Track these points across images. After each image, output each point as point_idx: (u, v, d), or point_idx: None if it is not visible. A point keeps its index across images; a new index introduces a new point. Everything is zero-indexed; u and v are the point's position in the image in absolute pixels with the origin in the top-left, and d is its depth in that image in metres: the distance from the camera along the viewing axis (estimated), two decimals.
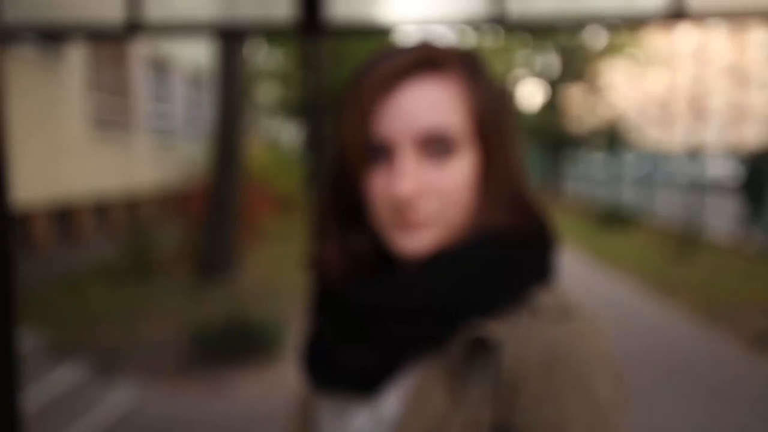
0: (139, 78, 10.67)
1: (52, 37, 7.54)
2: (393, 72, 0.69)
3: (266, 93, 20.20)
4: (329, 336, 0.74)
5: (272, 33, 4.05)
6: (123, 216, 9.86)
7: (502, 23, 4.11)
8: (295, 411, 0.89)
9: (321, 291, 0.78)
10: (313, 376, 0.76)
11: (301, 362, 0.78)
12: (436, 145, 0.69)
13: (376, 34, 4.52)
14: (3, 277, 1.31)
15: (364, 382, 0.70)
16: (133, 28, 3.97)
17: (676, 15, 3.60)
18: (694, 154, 12.75)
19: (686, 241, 10.21)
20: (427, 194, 0.69)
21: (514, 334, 0.66)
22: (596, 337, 0.70)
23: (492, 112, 0.73)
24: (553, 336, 0.66)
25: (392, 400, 0.70)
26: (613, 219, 13.20)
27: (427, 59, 0.70)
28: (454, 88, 0.71)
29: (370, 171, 0.71)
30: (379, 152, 0.70)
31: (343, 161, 0.73)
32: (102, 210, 9.26)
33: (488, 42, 24.96)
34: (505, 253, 0.72)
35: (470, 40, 26.55)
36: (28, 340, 3.76)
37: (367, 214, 0.74)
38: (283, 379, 4.32)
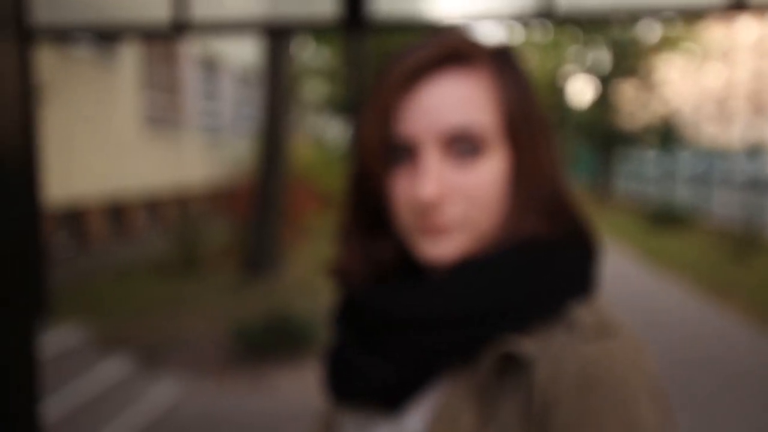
0: (190, 76, 10.87)
1: (104, 37, 7.75)
2: (416, 66, 0.64)
3: (312, 90, 20.35)
4: (351, 347, 0.70)
5: (316, 30, 4.06)
6: (173, 212, 10.07)
7: (550, 18, 4.00)
8: (317, 425, 0.86)
9: (343, 299, 0.74)
10: (334, 390, 0.72)
11: (323, 374, 0.74)
12: (462, 145, 0.64)
13: (421, 30, 4.46)
14: (30, 276, 1.32)
15: (387, 397, 0.66)
16: (180, 27, 4.02)
17: (737, 7, 3.43)
18: (754, 151, 12.24)
19: (744, 241, 9.80)
20: (453, 197, 0.64)
21: (548, 351, 0.60)
22: (638, 356, 0.62)
23: (524, 110, 0.67)
24: (590, 354, 0.60)
25: (417, 417, 0.65)
26: (666, 218, 12.79)
27: (453, 52, 0.65)
28: (483, 83, 0.66)
29: (393, 172, 0.67)
30: (402, 152, 0.66)
31: (364, 162, 0.69)
32: (153, 206, 9.47)
33: (537, 38, 24.56)
34: (540, 262, 0.65)
35: (518, 35, 26.20)
36: (77, 333, 3.85)
37: (391, 219, 0.70)
38: None
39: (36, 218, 3.88)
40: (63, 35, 4.69)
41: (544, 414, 0.59)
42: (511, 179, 0.67)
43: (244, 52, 13.57)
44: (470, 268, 0.65)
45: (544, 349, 0.61)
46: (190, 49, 10.84)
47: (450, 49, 0.65)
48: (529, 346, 0.61)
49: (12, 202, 1.30)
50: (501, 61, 0.68)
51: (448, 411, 0.62)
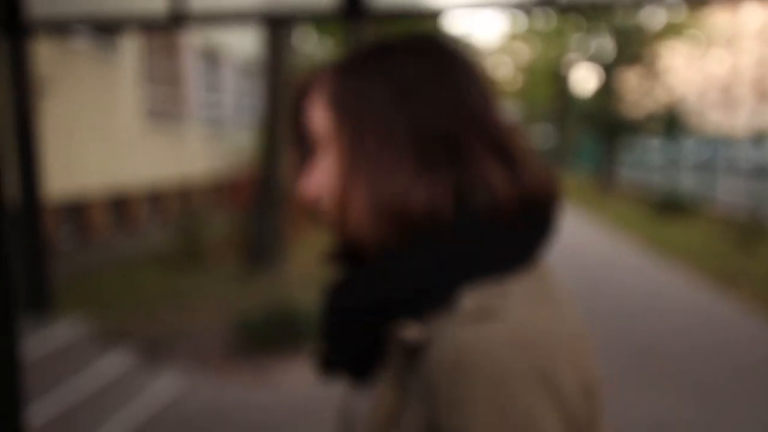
0: (191, 68, 10.83)
1: (103, 29, 7.71)
2: (298, 94, 0.77)
3: None
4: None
5: (316, 20, 4.02)
6: (175, 205, 10.07)
7: (553, 5, 3.95)
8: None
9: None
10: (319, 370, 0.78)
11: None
12: (317, 147, 0.73)
13: (422, 19, 4.42)
14: (38, 270, 1.30)
15: (352, 376, 0.73)
16: (179, 19, 3.98)
17: None
18: (758, 138, 12.14)
19: (749, 229, 9.74)
20: (323, 195, 0.73)
21: (436, 336, 0.62)
22: (527, 345, 0.60)
23: (351, 109, 0.70)
24: (464, 338, 0.60)
25: (368, 396, 0.71)
26: (671, 207, 12.73)
27: (311, 81, 0.75)
28: (323, 96, 0.72)
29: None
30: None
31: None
32: (155, 199, 9.46)
33: (539, 26, 24.39)
34: (428, 252, 0.66)
35: (521, 24, 26.02)
36: (79, 327, 3.84)
37: None
38: None
39: (35, 212, 3.87)
40: (61, 28, 4.67)
41: (430, 396, 0.61)
42: (343, 176, 0.70)
43: (245, 44, 13.51)
44: (368, 263, 0.71)
45: (429, 335, 0.62)
46: (191, 41, 10.79)
47: (309, 80, 0.75)
48: (414, 332, 0.63)
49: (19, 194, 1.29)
50: (345, 68, 0.72)
51: (378, 390, 0.66)
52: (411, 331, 0.63)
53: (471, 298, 0.63)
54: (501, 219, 0.67)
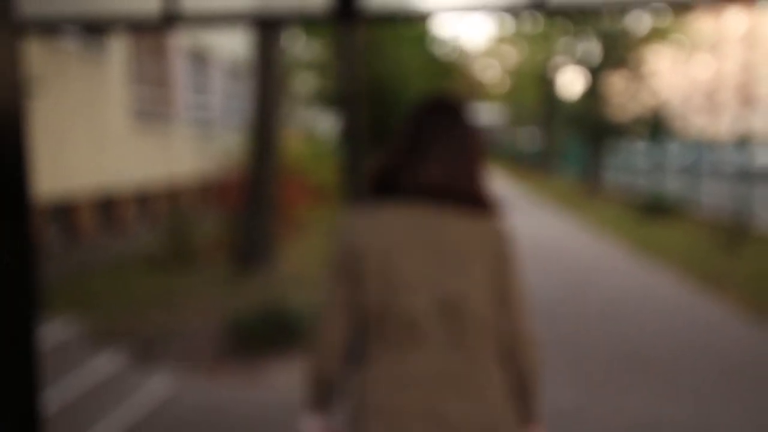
0: (179, 70, 10.81)
1: (93, 30, 7.68)
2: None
3: (303, 83, 20.28)
4: None
5: (307, 22, 4.04)
6: (164, 205, 10.04)
7: (541, 9, 4.01)
8: None
9: None
10: None
11: None
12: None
13: (413, 22, 4.46)
14: (26, 273, 1.31)
15: None
16: (171, 19, 4.00)
17: None
18: (742, 142, 12.32)
19: (733, 232, 9.89)
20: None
21: None
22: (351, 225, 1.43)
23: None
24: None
25: None
26: (656, 209, 12.87)
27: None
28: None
29: None
30: None
31: None
32: (143, 200, 9.43)
33: (527, 29, 24.55)
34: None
35: (509, 27, 26.17)
36: (70, 327, 3.84)
37: None
38: None
39: (29, 212, 3.86)
40: (52, 28, 4.66)
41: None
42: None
43: (234, 45, 13.50)
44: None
45: None
46: (179, 42, 10.77)
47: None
48: None
49: (8, 196, 1.30)
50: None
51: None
52: None
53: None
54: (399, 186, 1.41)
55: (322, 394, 1.40)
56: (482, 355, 1.33)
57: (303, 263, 8.00)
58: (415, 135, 1.42)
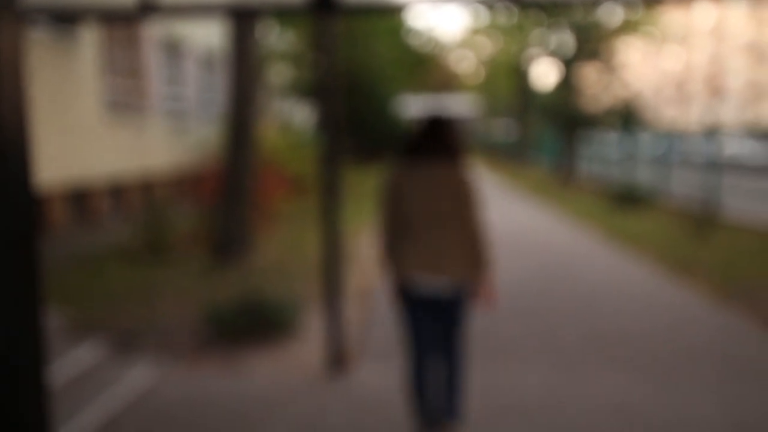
0: (152, 60, 10.68)
1: (65, 19, 7.56)
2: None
3: (278, 74, 20.16)
4: None
5: (284, 13, 4.04)
6: (138, 198, 9.94)
7: (515, 1, 4.06)
8: None
9: None
10: None
11: None
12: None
13: (389, 14, 4.49)
14: (30, 257, 1.33)
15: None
16: (146, 9, 3.97)
17: None
18: (711, 132, 12.59)
19: (703, 220, 10.12)
20: None
21: None
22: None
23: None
24: None
25: None
26: (628, 199, 13.11)
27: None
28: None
29: None
30: None
31: None
32: (117, 192, 9.34)
33: (501, 21, 24.67)
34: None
35: (483, 19, 26.27)
36: (49, 319, 3.82)
37: None
38: (296, 358, 4.37)
39: (32, 201, 3.82)
40: (22, 17, 4.59)
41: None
42: None
43: (208, 36, 13.37)
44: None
45: None
46: (152, 33, 10.65)
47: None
48: None
49: (15, 187, 1.32)
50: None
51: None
52: None
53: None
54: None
55: (387, 255, 2.98)
56: (447, 239, 2.86)
57: (280, 254, 8.01)
58: (424, 129, 2.98)
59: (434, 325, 3.01)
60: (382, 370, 4.15)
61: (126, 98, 9.76)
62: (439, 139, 2.92)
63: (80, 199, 8.27)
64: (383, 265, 2.99)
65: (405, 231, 2.89)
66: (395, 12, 4.19)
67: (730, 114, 42.62)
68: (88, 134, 8.34)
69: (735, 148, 18.97)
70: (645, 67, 50.47)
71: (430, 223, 2.84)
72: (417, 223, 2.85)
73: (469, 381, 3.93)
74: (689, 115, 45.35)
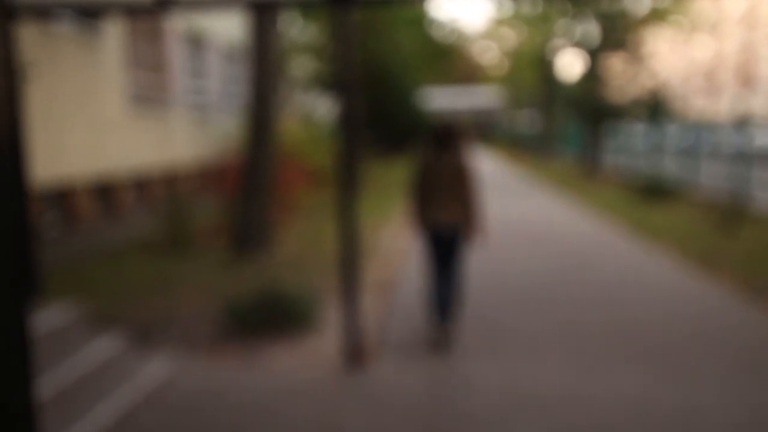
0: (176, 54, 10.75)
1: (88, 13, 7.62)
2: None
3: (300, 67, 20.17)
4: None
5: (302, 5, 4.01)
6: (161, 191, 10.03)
7: None
8: None
9: None
10: None
11: None
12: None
13: (409, 4, 4.42)
14: (20, 256, 1.32)
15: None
16: (164, 3, 3.97)
17: None
18: (741, 123, 12.29)
19: (730, 213, 9.90)
20: None
21: None
22: None
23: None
24: None
25: None
26: (654, 191, 12.88)
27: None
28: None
29: None
30: None
31: None
32: (141, 185, 9.43)
33: (526, 11, 24.37)
34: None
35: (508, 9, 25.97)
36: (68, 313, 3.86)
37: None
38: (314, 352, 4.36)
39: (24, 197, 3.86)
40: (46, 12, 4.63)
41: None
42: None
43: (230, 29, 13.41)
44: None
45: None
46: (175, 26, 10.70)
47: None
48: None
49: (5, 185, 1.31)
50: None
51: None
52: None
53: None
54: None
55: (416, 210, 4.49)
56: (460, 196, 4.41)
57: (300, 247, 8.02)
58: (439, 133, 4.51)
59: (444, 253, 4.53)
60: (400, 364, 4.12)
61: (149, 92, 9.83)
62: (448, 140, 4.52)
63: (105, 192, 8.37)
64: (412, 217, 4.53)
65: (428, 195, 4.47)
66: (414, 2, 4.14)
67: (760, 104, 41.65)
68: (113, 128, 8.42)
69: (766, 139, 18.50)
70: (673, 56, 49.55)
71: (442, 190, 4.44)
72: (435, 190, 4.45)
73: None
74: (718, 105, 44.44)
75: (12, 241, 1.24)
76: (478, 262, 7.19)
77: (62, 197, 7.36)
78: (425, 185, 4.46)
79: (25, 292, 1.28)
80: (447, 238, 4.45)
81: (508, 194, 14.67)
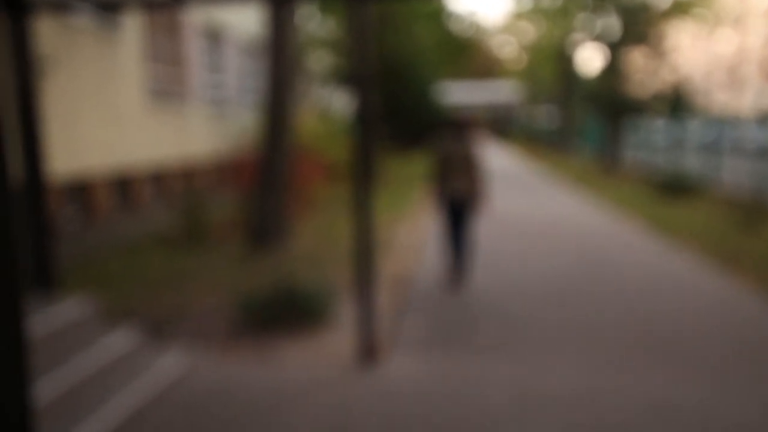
0: (194, 48, 10.77)
1: (105, 7, 7.65)
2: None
3: (318, 61, 20.16)
4: None
5: None
6: (179, 185, 10.07)
7: None
8: None
9: None
10: None
11: None
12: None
13: None
14: (7, 249, 1.29)
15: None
16: None
17: None
18: (764, 118, 12.06)
19: (753, 210, 9.73)
20: None
21: None
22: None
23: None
24: None
25: None
26: (675, 188, 12.70)
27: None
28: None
29: None
30: None
31: None
32: (159, 179, 9.47)
33: (545, 4, 24.12)
34: None
35: (526, 2, 25.73)
36: (84, 306, 3.87)
37: None
38: (328, 348, 4.34)
39: (39, 192, 3.88)
40: (63, 6, 4.64)
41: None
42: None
43: (248, 23, 13.42)
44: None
45: None
46: (193, 20, 10.72)
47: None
48: None
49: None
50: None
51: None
52: None
53: None
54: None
55: (437, 185, 5.88)
56: (470, 174, 5.82)
57: (316, 241, 8.01)
58: (454, 125, 5.91)
59: (457, 216, 5.91)
60: (413, 361, 4.09)
61: (168, 86, 9.87)
62: (462, 131, 5.86)
63: (123, 186, 8.42)
64: (434, 188, 5.87)
65: (445, 172, 5.80)
66: None
67: None
68: (131, 122, 8.46)
69: None
70: (695, 50, 48.84)
71: (456, 170, 5.79)
72: (451, 169, 5.79)
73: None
74: (741, 100, 43.74)
75: (8, 240, 1.21)
76: (495, 258, 7.13)
77: (80, 191, 7.41)
78: (444, 165, 5.81)
79: (23, 293, 1.26)
80: (459, 205, 5.87)
81: (525, 191, 14.55)
